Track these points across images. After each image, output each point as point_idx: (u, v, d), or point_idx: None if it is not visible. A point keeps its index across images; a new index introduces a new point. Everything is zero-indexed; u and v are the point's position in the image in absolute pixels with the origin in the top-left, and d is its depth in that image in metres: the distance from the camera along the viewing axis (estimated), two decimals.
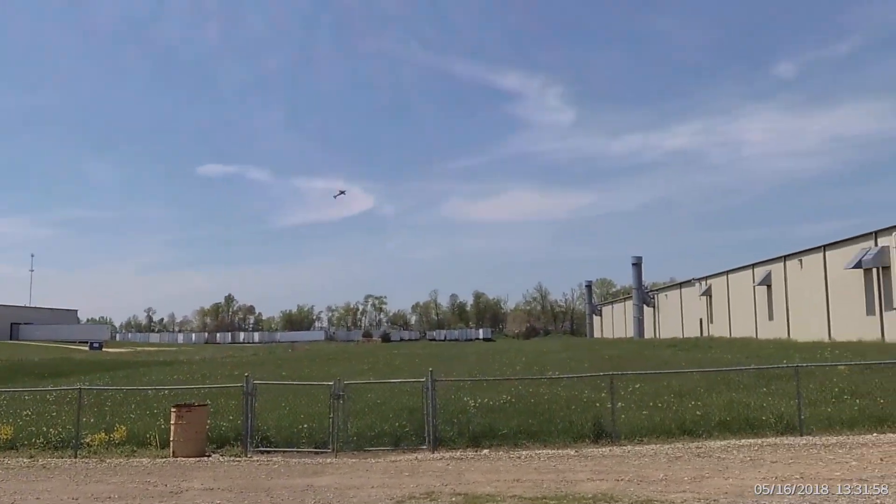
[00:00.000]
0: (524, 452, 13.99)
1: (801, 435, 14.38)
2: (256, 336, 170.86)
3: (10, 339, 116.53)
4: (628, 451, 13.66)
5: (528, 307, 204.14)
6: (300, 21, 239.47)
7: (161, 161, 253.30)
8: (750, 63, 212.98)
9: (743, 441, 13.99)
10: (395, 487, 11.17)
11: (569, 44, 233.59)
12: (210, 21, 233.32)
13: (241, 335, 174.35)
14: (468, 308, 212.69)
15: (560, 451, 13.93)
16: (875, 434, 14.34)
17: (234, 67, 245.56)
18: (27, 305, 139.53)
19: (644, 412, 16.27)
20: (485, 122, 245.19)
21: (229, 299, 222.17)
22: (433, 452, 14.38)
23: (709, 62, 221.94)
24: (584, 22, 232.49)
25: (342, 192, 65.90)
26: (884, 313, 44.03)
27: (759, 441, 13.97)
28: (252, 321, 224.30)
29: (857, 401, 16.59)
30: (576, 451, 13.92)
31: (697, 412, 15.92)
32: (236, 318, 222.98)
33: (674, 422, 15.35)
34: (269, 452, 14.84)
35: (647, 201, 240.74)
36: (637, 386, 19.89)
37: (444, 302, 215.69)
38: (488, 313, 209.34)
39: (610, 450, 13.93)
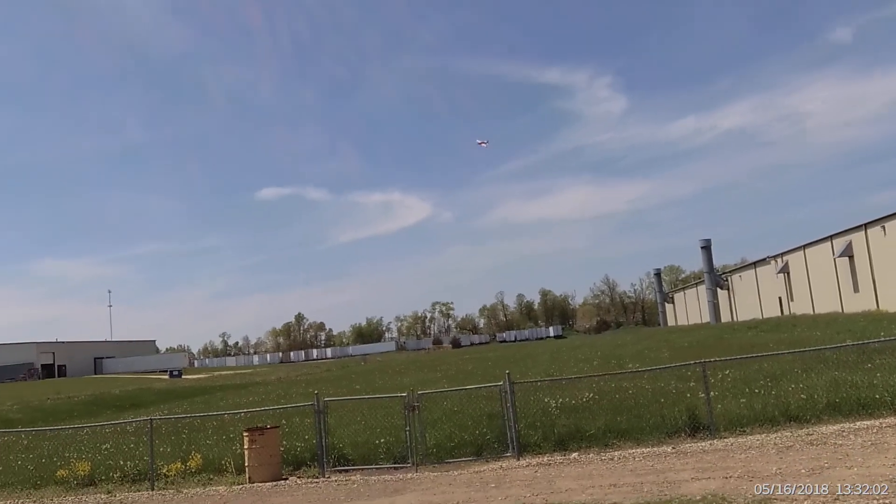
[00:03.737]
0: (616, 453, 13.00)
1: None
2: (329, 352, 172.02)
3: (95, 374, 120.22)
4: (731, 444, 12.50)
5: (597, 301, 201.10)
6: (342, 39, 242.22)
7: (219, 190, 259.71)
8: (802, 32, 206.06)
9: (859, 424, 12.63)
10: (482, 502, 10.39)
11: (610, 32, 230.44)
12: (250, 49, 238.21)
13: (314, 352, 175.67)
14: (536, 307, 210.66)
15: (656, 449, 12.88)
16: None
17: (275, 91, 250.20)
18: (108, 340, 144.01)
19: (741, 400, 15.02)
20: (532, 120, 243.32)
21: (299, 318, 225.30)
22: (518, 460, 13.51)
23: (756, 36, 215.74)
24: (621, 8, 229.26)
25: (485, 143, 73.34)
26: None
27: (878, 423, 12.54)
28: (323, 338, 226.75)
29: None
30: (673, 448, 12.84)
31: (801, 395, 14.60)
32: (308, 336, 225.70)
33: (776, 408, 14.09)
34: (346, 471, 14.25)
35: (707, 185, 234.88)
36: (726, 373, 18.60)
37: (510, 303, 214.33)
38: (556, 311, 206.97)
39: (710, 444, 12.78)
